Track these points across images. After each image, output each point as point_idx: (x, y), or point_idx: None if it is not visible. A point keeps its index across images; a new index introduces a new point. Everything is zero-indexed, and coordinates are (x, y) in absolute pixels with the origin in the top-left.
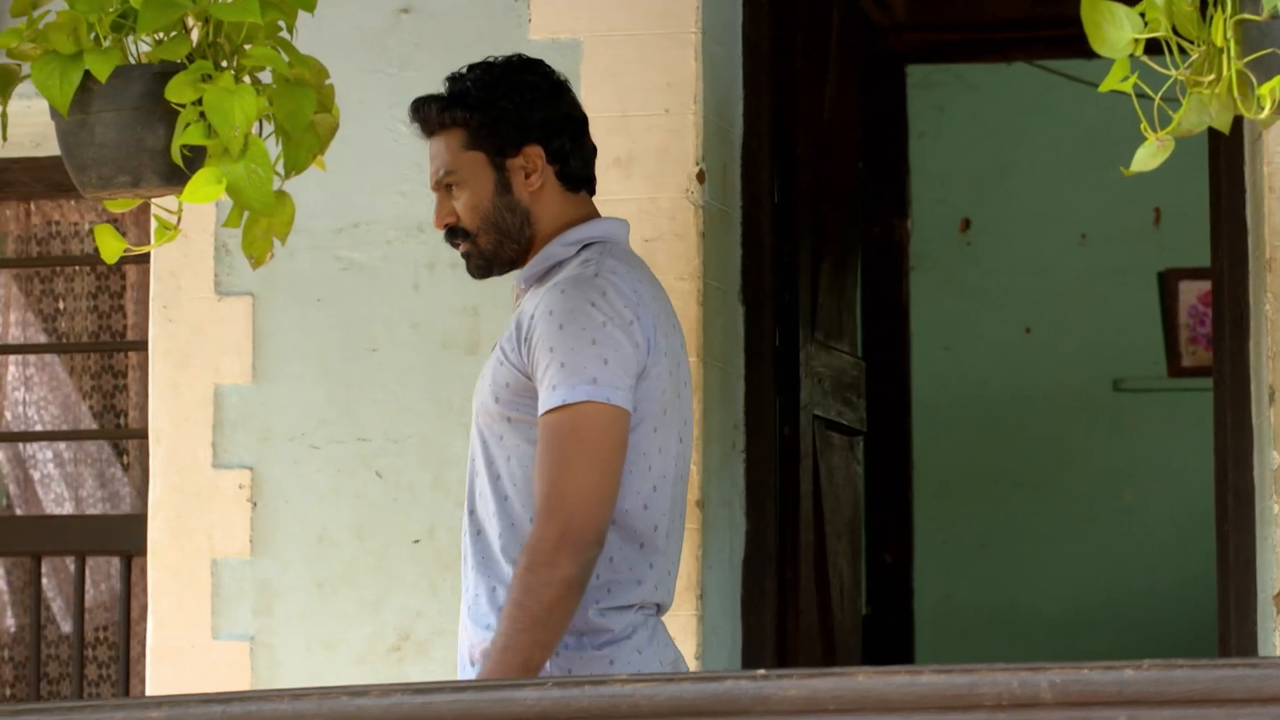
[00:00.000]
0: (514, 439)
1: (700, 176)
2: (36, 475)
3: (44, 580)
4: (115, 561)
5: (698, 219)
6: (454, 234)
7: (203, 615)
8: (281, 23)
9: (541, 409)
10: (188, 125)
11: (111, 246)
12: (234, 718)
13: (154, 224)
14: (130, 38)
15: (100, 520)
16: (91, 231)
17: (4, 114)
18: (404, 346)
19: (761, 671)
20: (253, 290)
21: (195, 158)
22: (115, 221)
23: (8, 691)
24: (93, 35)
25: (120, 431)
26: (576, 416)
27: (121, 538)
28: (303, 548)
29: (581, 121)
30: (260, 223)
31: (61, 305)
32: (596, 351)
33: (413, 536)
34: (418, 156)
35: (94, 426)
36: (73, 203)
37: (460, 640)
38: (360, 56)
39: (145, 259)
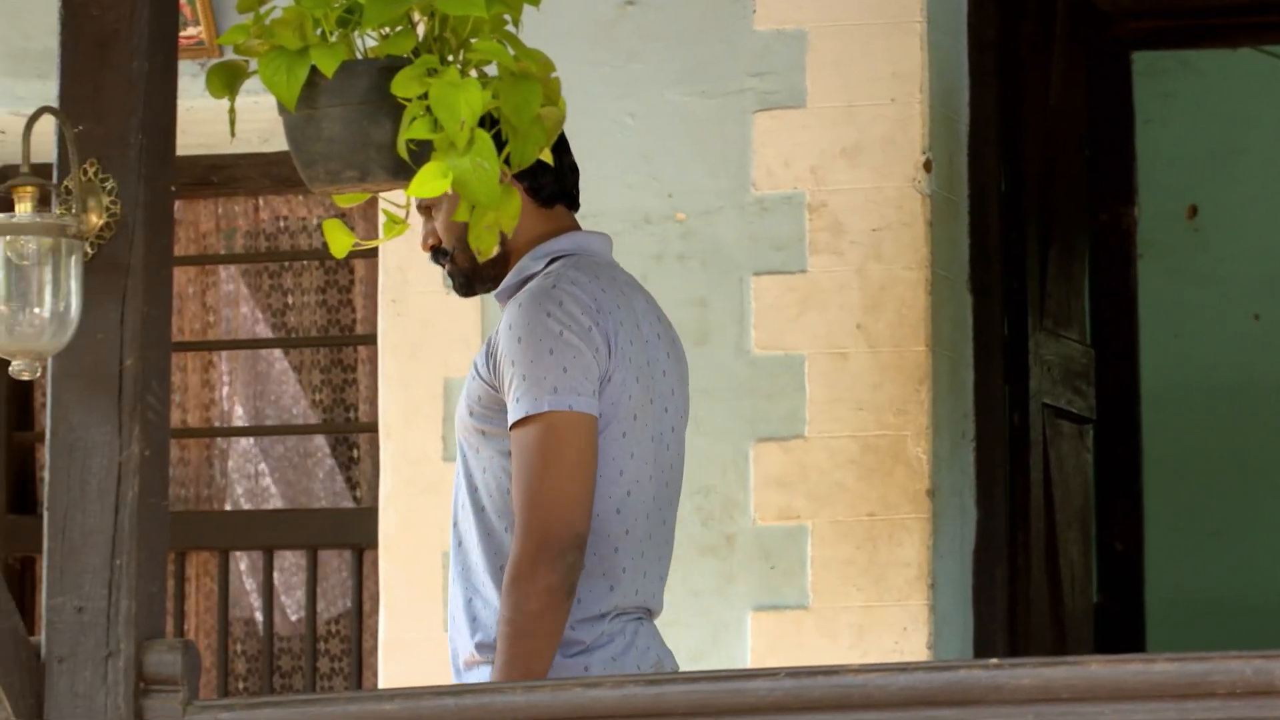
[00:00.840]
0: (488, 451)
1: (927, 165)
2: (268, 470)
3: (276, 574)
4: (347, 555)
5: (925, 208)
6: (438, 254)
7: (434, 608)
8: (507, 16)
9: (509, 423)
10: (414, 119)
11: (340, 241)
12: (467, 710)
13: (382, 218)
14: (356, 33)
15: (331, 514)
16: (320, 226)
17: (232, 110)
18: None
19: (994, 661)
20: None
21: (421, 152)
22: (343, 216)
23: (241, 685)
24: (319, 30)
25: (350, 425)
26: (541, 427)
27: (352, 531)
28: None
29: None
30: (486, 216)
31: (290, 300)
32: (555, 360)
33: None
34: (645, 148)
35: (325, 421)
36: (301, 198)
37: (449, 646)
38: (586, 49)
39: (373, 253)
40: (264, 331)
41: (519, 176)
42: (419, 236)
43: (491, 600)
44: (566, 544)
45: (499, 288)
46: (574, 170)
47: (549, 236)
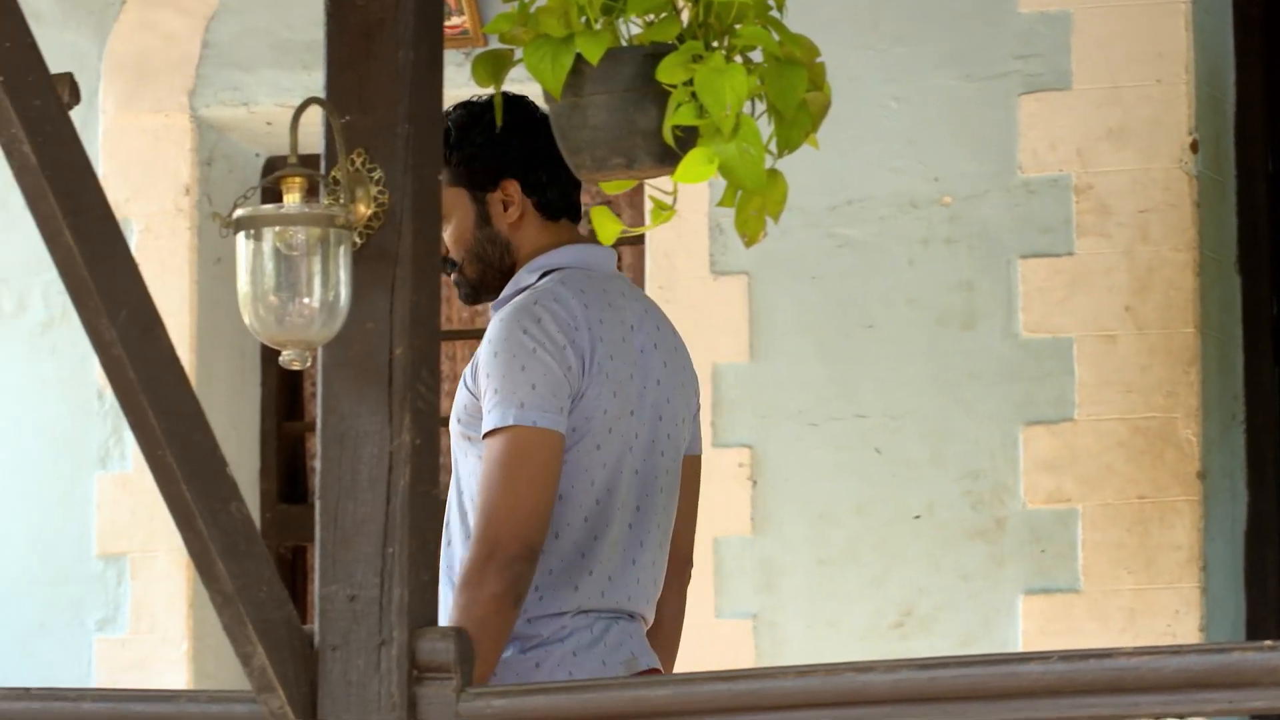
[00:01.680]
0: (472, 458)
1: (1194, 146)
2: None
3: None
4: None
5: (1192, 189)
6: (445, 264)
7: (705, 593)
8: (771, 1)
9: (482, 434)
10: (679, 106)
11: (608, 228)
12: (739, 695)
13: (648, 205)
14: (620, 19)
15: None
16: (588, 213)
17: (497, 99)
18: (900, 322)
19: (1269, 643)
20: (747, 269)
21: (687, 138)
22: (609, 203)
23: None
24: (583, 18)
25: None
26: (504, 440)
27: None
28: (804, 525)
29: (557, 155)
30: (753, 201)
31: None
32: (525, 377)
33: (913, 512)
34: (910, 133)
35: None
36: None
37: None
38: (850, 34)
39: (640, 240)
40: None
41: (529, 192)
42: (687, 222)
43: None
44: (515, 554)
45: (497, 300)
46: (578, 184)
47: (548, 249)
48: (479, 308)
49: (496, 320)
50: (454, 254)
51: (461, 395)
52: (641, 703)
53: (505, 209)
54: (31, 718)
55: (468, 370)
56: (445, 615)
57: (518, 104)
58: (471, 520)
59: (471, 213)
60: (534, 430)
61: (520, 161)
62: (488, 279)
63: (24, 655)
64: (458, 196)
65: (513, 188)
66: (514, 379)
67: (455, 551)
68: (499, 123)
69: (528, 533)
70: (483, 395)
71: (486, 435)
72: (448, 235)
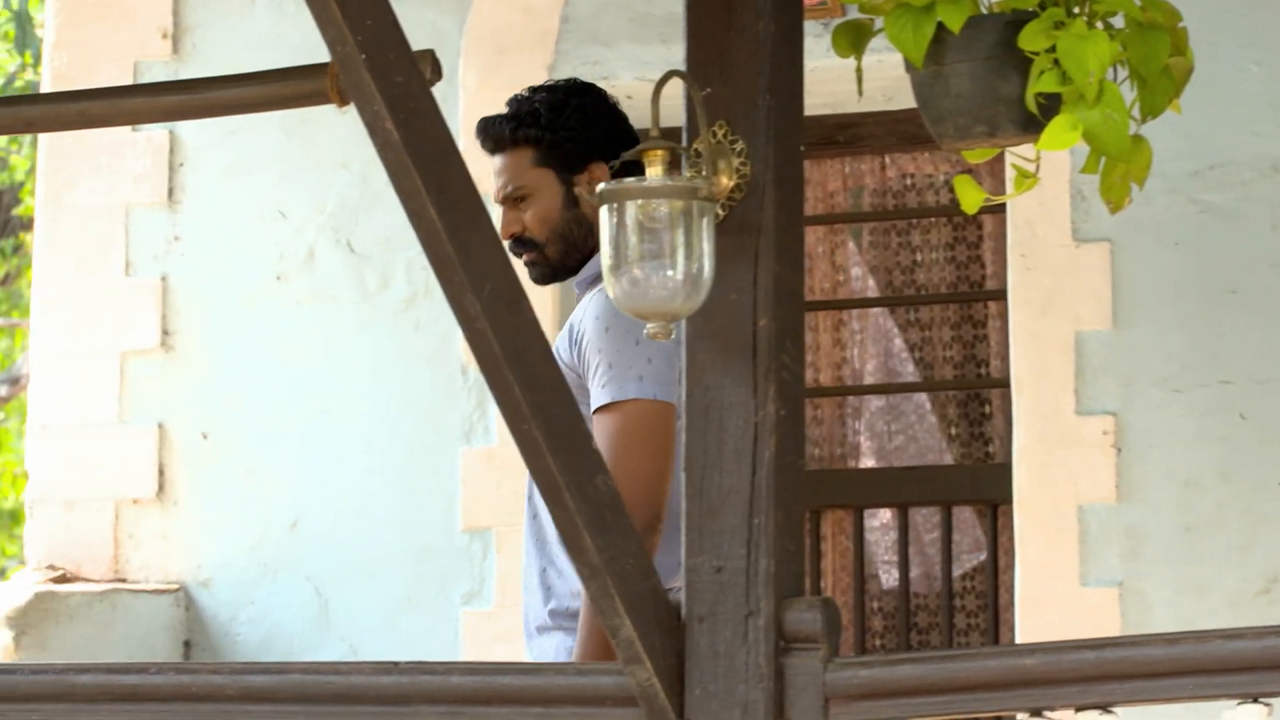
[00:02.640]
0: None
1: None
2: (899, 427)
3: (909, 531)
4: (981, 511)
5: None
6: (520, 244)
7: (1070, 562)
8: None
9: (594, 406)
10: (1042, 73)
11: (971, 197)
12: (1106, 663)
13: (1010, 173)
14: None
15: (964, 470)
16: (946, 183)
17: (859, 69)
18: (1264, 287)
19: None
20: (1110, 236)
21: (1050, 105)
22: (970, 171)
23: (877, 642)
24: None
25: (982, 381)
26: (625, 413)
27: (987, 487)
28: (1169, 492)
29: (637, 140)
30: (1118, 168)
31: (918, 257)
32: (641, 351)
33: (1279, 478)
34: (1272, 96)
35: (954, 377)
36: (926, 154)
37: (523, 611)
38: None
39: (1000, 209)
40: (891, 290)
41: (615, 175)
42: (1048, 190)
43: (565, 570)
44: (647, 523)
45: (579, 277)
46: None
47: None
48: (842, 278)
49: (601, 297)
50: (537, 234)
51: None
52: (1009, 671)
53: (590, 192)
54: (400, 691)
55: (561, 346)
56: (538, 588)
57: (594, 91)
58: None
59: (559, 194)
60: (654, 403)
61: (606, 145)
62: (569, 260)
63: (391, 629)
64: (545, 178)
65: (601, 170)
66: (629, 353)
67: (545, 527)
68: (860, 93)
69: (657, 503)
70: (589, 370)
71: (603, 409)
72: (531, 215)
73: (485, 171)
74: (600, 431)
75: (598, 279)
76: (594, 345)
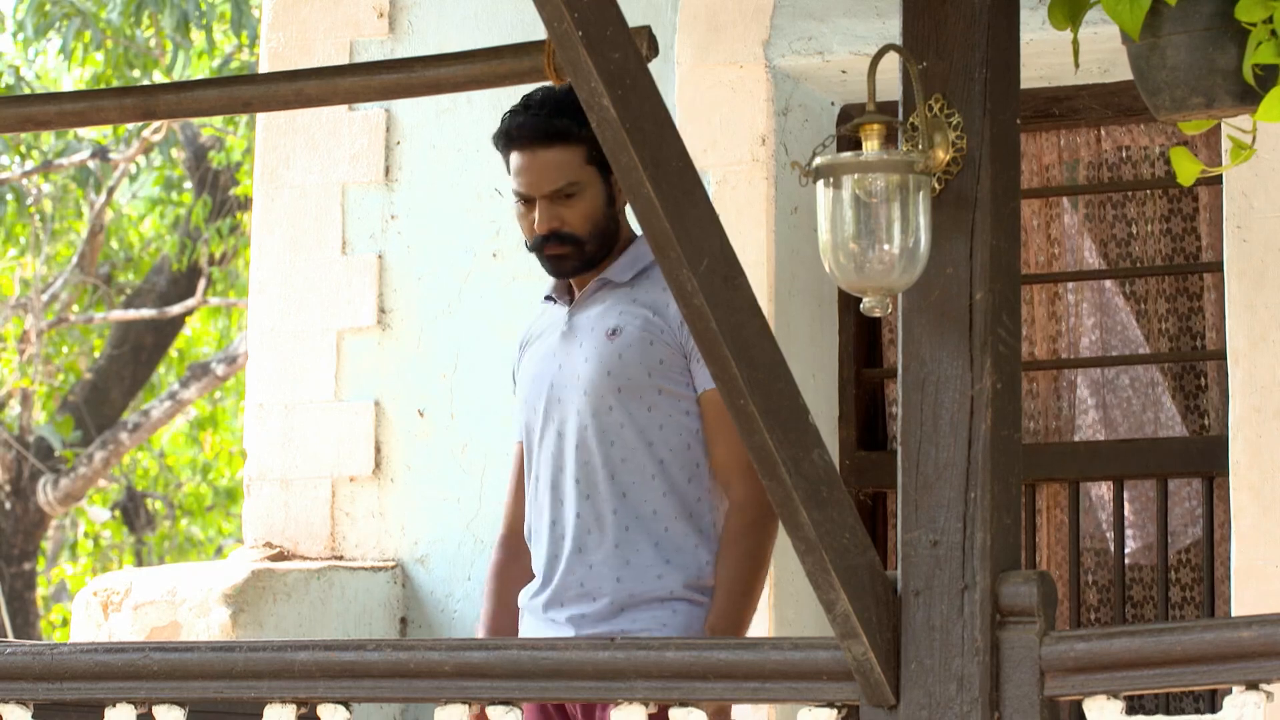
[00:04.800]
0: (667, 409)
1: None
2: (1116, 400)
3: (1126, 504)
4: (1196, 483)
5: None
6: (560, 239)
7: None
8: None
9: (702, 389)
10: (1259, 44)
11: (1187, 169)
12: None
13: (1226, 144)
14: None
15: (1180, 443)
16: (1162, 155)
17: (1075, 41)
18: None
19: None
20: None
21: (1267, 76)
22: (1186, 143)
23: (1092, 616)
24: None
25: (1197, 354)
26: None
27: (1202, 459)
28: None
29: None
30: None
31: (1134, 230)
32: None
33: None
34: None
35: (1170, 349)
36: (1141, 126)
37: (563, 585)
38: None
39: (1216, 180)
40: (1106, 263)
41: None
42: (1265, 162)
43: (686, 544)
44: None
45: (617, 272)
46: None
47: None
48: (1057, 251)
49: None
50: (579, 230)
51: (658, 349)
52: (1225, 644)
53: (620, 190)
54: (615, 667)
55: (660, 325)
56: (652, 563)
57: None
58: (674, 469)
59: (603, 192)
60: None
61: None
62: (600, 256)
63: None
64: (594, 175)
65: None
66: None
67: (645, 504)
68: (1076, 66)
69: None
70: (690, 352)
71: (709, 391)
72: (577, 212)
73: (698, 148)
74: (707, 415)
75: (646, 270)
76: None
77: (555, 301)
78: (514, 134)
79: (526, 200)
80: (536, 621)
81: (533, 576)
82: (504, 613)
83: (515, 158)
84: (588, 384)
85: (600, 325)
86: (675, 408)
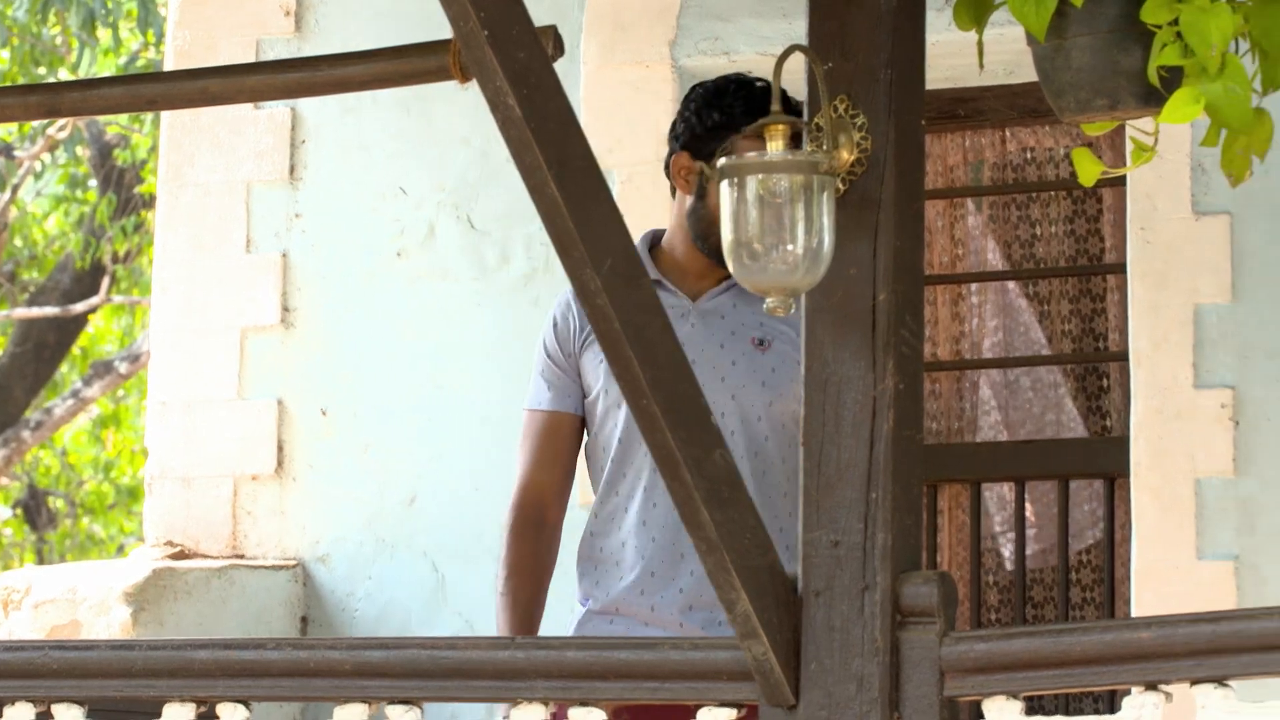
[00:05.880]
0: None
1: None
2: (1017, 400)
3: (1027, 505)
4: (1097, 484)
5: None
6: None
7: (1186, 536)
8: None
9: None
10: (1164, 46)
11: (1089, 170)
12: (1222, 637)
13: (1129, 146)
14: None
15: (1081, 444)
16: (1066, 156)
17: (980, 42)
18: None
19: None
20: (1230, 209)
21: (1171, 78)
22: (1090, 145)
23: (992, 616)
24: None
25: (1100, 355)
26: None
27: (1104, 460)
28: None
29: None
30: (1239, 141)
31: (1037, 231)
32: None
33: None
34: None
35: (1072, 350)
36: (1046, 128)
37: (697, 590)
38: None
39: (1120, 181)
40: (1009, 264)
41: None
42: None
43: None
44: None
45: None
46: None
47: None
48: (960, 252)
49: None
50: None
51: (794, 363)
52: (1124, 645)
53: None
54: (515, 666)
55: (790, 346)
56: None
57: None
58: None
59: None
60: None
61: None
62: None
63: None
64: None
65: (680, 159)
66: None
67: (772, 519)
68: (980, 67)
69: None
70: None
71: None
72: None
73: (604, 148)
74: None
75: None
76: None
77: (657, 287)
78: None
79: None
80: (638, 621)
81: (551, 557)
82: (540, 594)
83: (757, 148)
84: (736, 389)
85: (742, 330)
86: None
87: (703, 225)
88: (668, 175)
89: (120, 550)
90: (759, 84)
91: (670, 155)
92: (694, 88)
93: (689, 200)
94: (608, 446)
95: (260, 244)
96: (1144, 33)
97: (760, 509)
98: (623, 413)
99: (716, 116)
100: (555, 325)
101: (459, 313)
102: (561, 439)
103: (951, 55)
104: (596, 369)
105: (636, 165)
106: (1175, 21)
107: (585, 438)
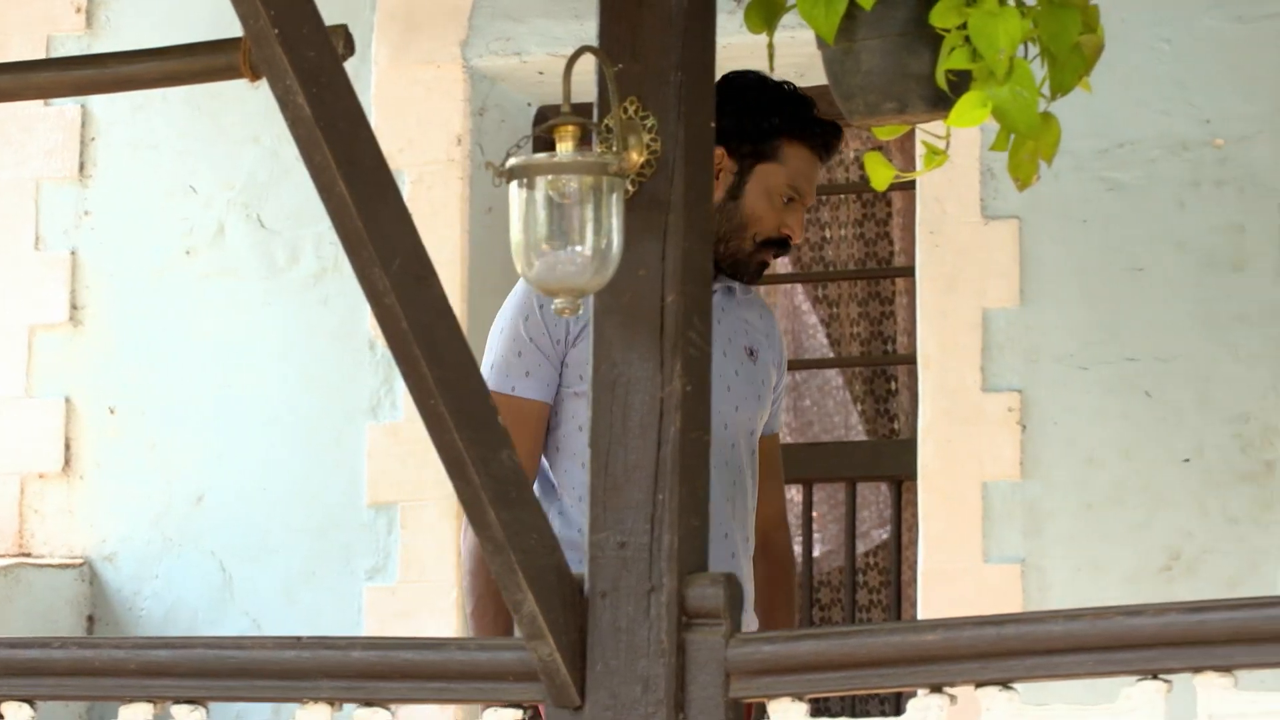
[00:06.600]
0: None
1: None
2: (806, 402)
3: (814, 507)
4: (885, 487)
5: None
6: (786, 247)
7: (973, 539)
8: None
9: (773, 430)
10: (952, 50)
11: (881, 174)
12: (1007, 640)
13: (920, 150)
14: None
15: (869, 446)
16: (857, 159)
17: (770, 45)
18: (1169, 265)
19: None
20: (1019, 213)
21: (960, 82)
22: (881, 148)
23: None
24: None
25: (888, 358)
26: None
27: (891, 463)
28: (1072, 469)
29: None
30: (1026, 145)
31: (827, 234)
32: None
33: (1181, 455)
34: (1180, 75)
35: (861, 353)
36: None
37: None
38: None
39: (910, 185)
40: (799, 267)
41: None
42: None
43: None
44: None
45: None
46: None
47: None
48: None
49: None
50: (799, 238)
51: (773, 376)
52: (909, 647)
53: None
54: (301, 666)
55: (775, 358)
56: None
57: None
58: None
59: None
60: None
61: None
62: None
63: (294, 604)
64: None
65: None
66: None
67: (750, 532)
68: (770, 70)
69: None
70: (780, 384)
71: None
72: (797, 216)
73: (394, 148)
74: (776, 455)
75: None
76: (783, 364)
77: None
78: (827, 138)
79: (788, 200)
80: None
81: None
82: None
83: (804, 156)
84: (739, 400)
85: (736, 338)
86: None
87: (726, 226)
88: None
89: None
90: (787, 87)
91: None
92: (729, 84)
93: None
94: None
95: (49, 242)
96: (933, 36)
97: (746, 519)
98: None
99: (775, 121)
100: (540, 309)
101: (248, 311)
102: (543, 431)
103: (743, 58)
104: None
105: (427, 165)
106: (964, 25)
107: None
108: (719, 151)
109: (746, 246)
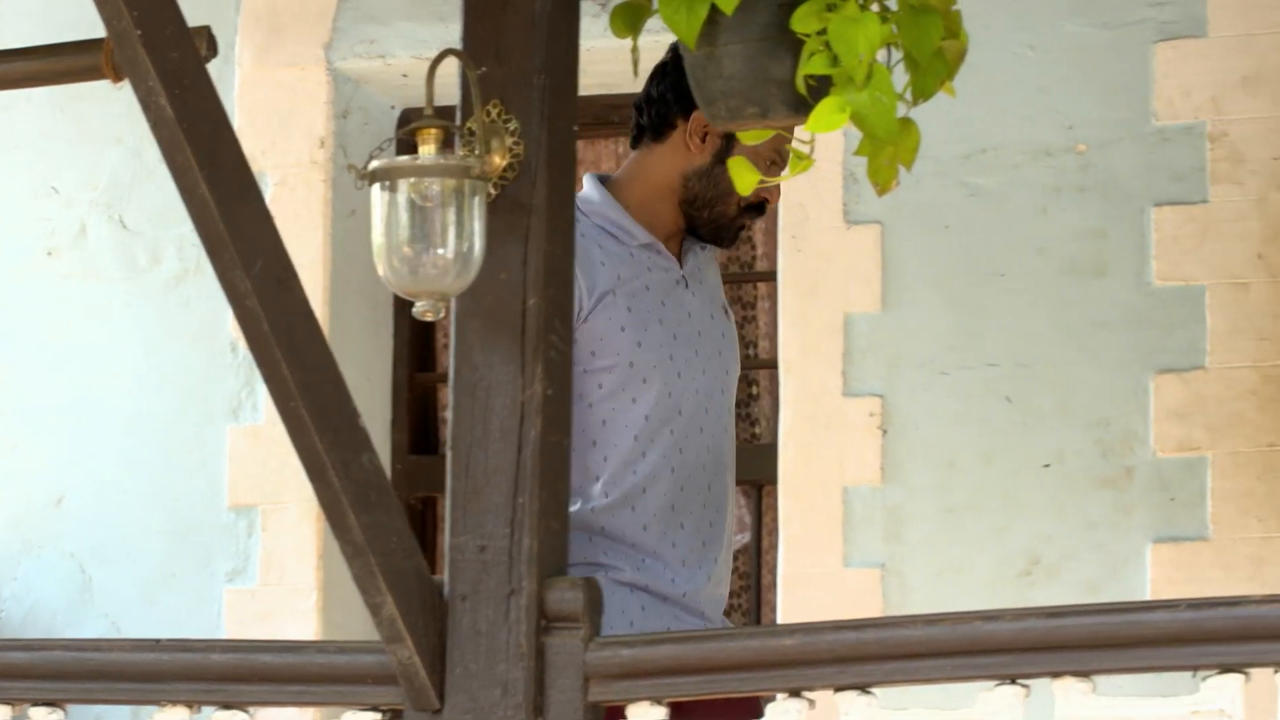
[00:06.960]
0: None
1: None
2: None
3: None
4: (745, 491)
5: None
6: (762, 213)
7: (833, 543)
8: None
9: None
10: (812, 55)
11: (746, 178)
12: (867, 644)
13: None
14: None
15: None
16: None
17: (635, 49)
18: (1031, 271)
19: None
20: (881, 219)
21: (820, 87)
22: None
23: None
24: None
25: (750, 362)
26: None
27: (752, 467)
28: (932, 474)
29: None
30: (885, 150)
31: None
32: None
33: (1041, 461)
34: (1043, 81)
35: None
36: None
37: (719, 584)
38: None
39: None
40: None
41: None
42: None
43: None
44: None
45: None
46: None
47: None
48: None
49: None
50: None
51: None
52: (767, 651)
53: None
54: (159, 668)
55: (731, 330)
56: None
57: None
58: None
59: None
60: None
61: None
62: None
63: (153, 606)
64: None
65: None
66: None
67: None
68: (635, 74)
69: None
70: None
71: None
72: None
73: (258, 150)
74: None
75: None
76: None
77: (651, 251)
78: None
79: (770, 164)
80: (689, 611)
81: None
82: None
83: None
84: (729, 364)
85: (717, 298)
86: None
87: (713, 191)
88: (652, 126)
89: None
90: None
91: (675, 108)
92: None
93: (699, 161)
94: (628, 422)
95: None
96: (795, 41)
97: (726, 496)
98: (653, 389)
99: None
100: None
101: (109, 312)
102: None
103: (607, 61)
104: (616, 337)
105: (290, 167)
106: (824, 31)
107: None
108: (701, 119)
109: (730, 211)
